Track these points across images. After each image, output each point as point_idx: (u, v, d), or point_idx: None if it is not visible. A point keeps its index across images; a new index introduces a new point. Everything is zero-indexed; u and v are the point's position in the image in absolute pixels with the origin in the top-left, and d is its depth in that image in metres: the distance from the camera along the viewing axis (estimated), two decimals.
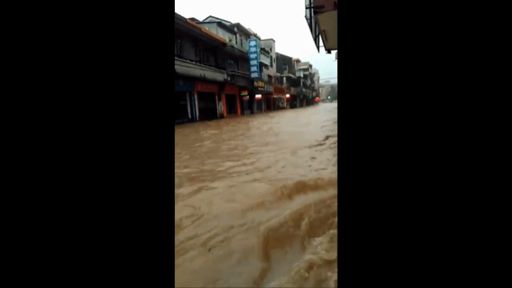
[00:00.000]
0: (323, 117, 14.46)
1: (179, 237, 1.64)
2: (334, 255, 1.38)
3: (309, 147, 4.90)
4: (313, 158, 3.97)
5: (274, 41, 32.24)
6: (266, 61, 26.46)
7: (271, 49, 30.55)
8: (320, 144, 5.10)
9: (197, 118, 15.84)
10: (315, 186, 2.56)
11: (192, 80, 15.03)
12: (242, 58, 22.90)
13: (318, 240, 1.57)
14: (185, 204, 2.23)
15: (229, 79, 18.90)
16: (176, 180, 2.92)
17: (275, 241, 1.60)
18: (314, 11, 5.41)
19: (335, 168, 3.07)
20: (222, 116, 18.92)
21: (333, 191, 2.30)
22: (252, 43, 23.21)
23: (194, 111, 15.78)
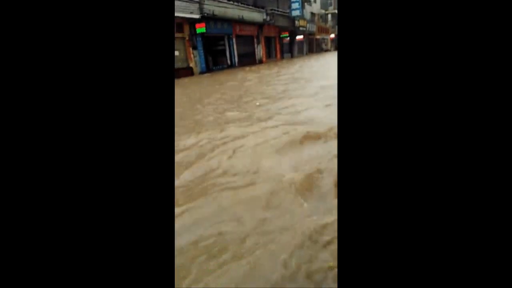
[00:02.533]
0: None
1: None
2: None
3: None
4: None
5: None
6: None
7: None
8: None
9: (236, 64, 15.54)
10: None
11: (230, 22, 14.34)
12: None
13: None
14: None
15: (268, 19, 17.61)
16: None
17: None
18: None
19: None
20: (261, 62, 18.27)
21: None
22: None
23: (233, 56, 15.42)
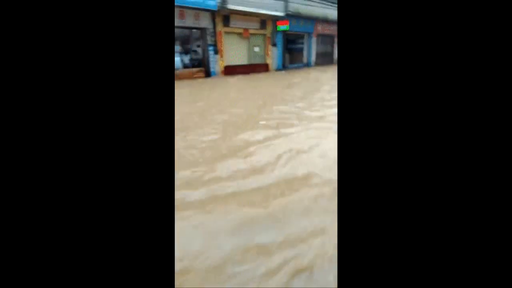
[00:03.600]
0: None
1: None
2: None
3: None
4: None
5: None
6: None
7: None
8: None
9: (312, 64, 15.22)
10: None
11: (313, 20, 14.06)
12: None
13: None
14: None
15: None
16: None
17: None
18: None
19: None
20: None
21: None
22: None
23: (310, 55, 15.14)
